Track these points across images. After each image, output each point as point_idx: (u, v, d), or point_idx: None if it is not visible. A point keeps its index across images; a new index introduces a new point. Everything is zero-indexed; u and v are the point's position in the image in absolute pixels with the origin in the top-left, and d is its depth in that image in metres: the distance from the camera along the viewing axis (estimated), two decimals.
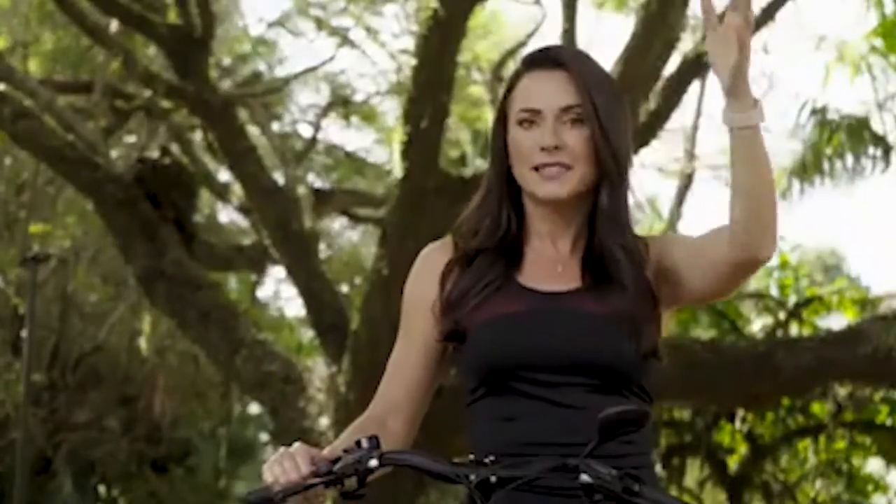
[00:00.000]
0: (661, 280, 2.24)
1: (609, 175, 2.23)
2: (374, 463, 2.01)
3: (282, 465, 2.01)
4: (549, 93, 2.24)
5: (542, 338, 2.16)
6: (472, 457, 2.07)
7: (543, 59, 2.30)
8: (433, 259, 2.33)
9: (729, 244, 2.10)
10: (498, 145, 2.30)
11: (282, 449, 2.05)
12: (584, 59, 2.31)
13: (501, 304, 2.20)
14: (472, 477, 1.99)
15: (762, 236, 2.08)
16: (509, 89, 2.31)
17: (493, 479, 1.99)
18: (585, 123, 2.22)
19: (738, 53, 1.98)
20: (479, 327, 2.20)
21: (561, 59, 2.28)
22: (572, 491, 1.97)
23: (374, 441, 2.03)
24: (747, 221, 2.07)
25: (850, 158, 11.02)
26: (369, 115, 17.44)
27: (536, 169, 2.23)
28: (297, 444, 2.06)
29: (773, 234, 2.10)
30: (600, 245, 2.24)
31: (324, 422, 9.96)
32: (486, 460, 2.03)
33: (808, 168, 11.28)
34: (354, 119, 17.50)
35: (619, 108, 2.27)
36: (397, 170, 10.12)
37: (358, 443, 2.03)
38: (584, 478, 1.93)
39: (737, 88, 2.00)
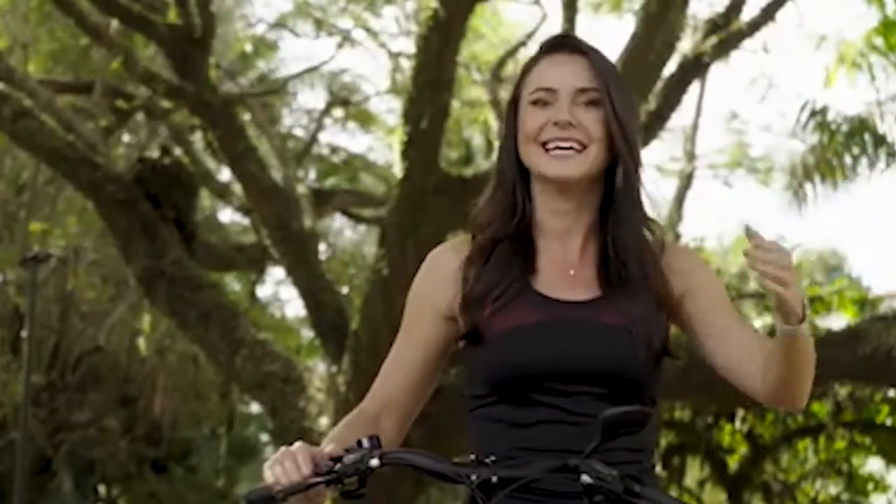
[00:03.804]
0: (672, 303, 2.25)
1: (623, 157, 2.24)
2: (375, 462, 2.01)
3: (282, 465, 2.00)
4: (566, 74, 2.26)
5: (559, 348, 2.15)
6: (473, 457, 2.07)
7: (562, 45, 2.32)
8: (442, 261, 2.32)
9: (759, 390, 2.22)
10: (510, 129, 2.30)
11: (282, 448, 2.04)
12: (600, 51, 2.33)
13: (518, 314, 2.19)
14: (474, 477, 1.99)
15: (790, 404, 2.23)
16: (524, 73, 2.32)
17: (494, 479, 1.99)
18: (600, 107, 2.23)
19: (778, 294, 2.01)
20: (496, 337, 2.18)
21: (579, 45, 2.31)
22: (574, 492, 1.97)
23: (375, 440, 2.03)
24: (779, 391, 2.19)
25: (850, 159, 11.01)
26: (369, 115, 17.45)
27: (545, 146, 2.23)
28: (297, 444, 2.05)
29: (802, 401, 2.22)
30: (613, 240, 2.24)
31: (324, 422, 9.95)
32: (488, 460, 2.03)
33: (808, 168, 11.28)
34: (354, 119, 17.51)
35: (631, 100, 2.30)
36: (397, 170, 10.12)
37: (359, 442, 2.03)
38: (585, 479, 1.93)
39: (785, 312, 2.05)
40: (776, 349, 2.11)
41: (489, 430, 2.18)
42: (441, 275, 2.29)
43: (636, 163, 2.26)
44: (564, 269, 2.25)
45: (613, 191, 2.26)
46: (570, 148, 2.22)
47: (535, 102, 2.25)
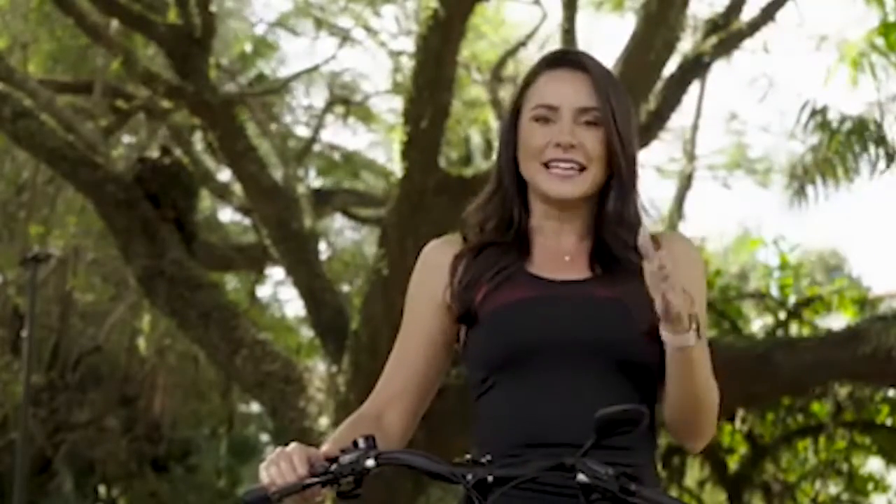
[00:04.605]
0: None
1: (620, 178, 2.26)
2: (370, 463, 2.00)
3: (278, 466, 2.01)
4: (568, 92, 2.26)
5: (554, 322, 2.16)
6: (468, 456, 2.07)
7: (564, 60, 2.32)
8: (438, 254, 2.33)
9: (665, 423, 2.22)
10: (509, 140, 2.31)
11: (278, 449, 2.05)
12: (601, 64, 2.33)
13: (512, 292, 2.21)
14: (469, 477, 1.99)
15: (690, 441, 2.23)
16: (526, 85, 2.32)
17: (490, 478, 1.99)
18: (601, 126, 2.24)
19: (662, 296, 2.00)
20: (490, 314, 2.20)
21: (582, 61, 2.30)
22: (570, 490, 1.97)
23: (371, 441, 2.03)
24: (678, 427, 2.20)
25: (850, 158, 11.00)
26: (370, 114, 17.45)
27: (547, 165, 2.24)
28: (293, 444, 2.05)
29: (703, 439, 2.22)
30: (607, 243, 2.26)
31: (324, 422, 9.96)
32: (483, 460, 2.03)
33: (808, 168, 11.27)
34: (354, 119, 17.51)
35: (631, 114, 2.31)
36: (397, 170, 10.12)
37: (355, 443, 2.03)
38: (581, 477, 1.93)
39: (670, 317, 2.02)
40: (671, 374, 2.10)
41: (490, 415, 2.19)
42: (436, 266, 2.31)
43: (633, 181, 2.28)
44: (559, 255, 2.27)
45: (612, 201, 2.28)
46: (571, 168, 2.23)
47: (536, 119, 2.26)
